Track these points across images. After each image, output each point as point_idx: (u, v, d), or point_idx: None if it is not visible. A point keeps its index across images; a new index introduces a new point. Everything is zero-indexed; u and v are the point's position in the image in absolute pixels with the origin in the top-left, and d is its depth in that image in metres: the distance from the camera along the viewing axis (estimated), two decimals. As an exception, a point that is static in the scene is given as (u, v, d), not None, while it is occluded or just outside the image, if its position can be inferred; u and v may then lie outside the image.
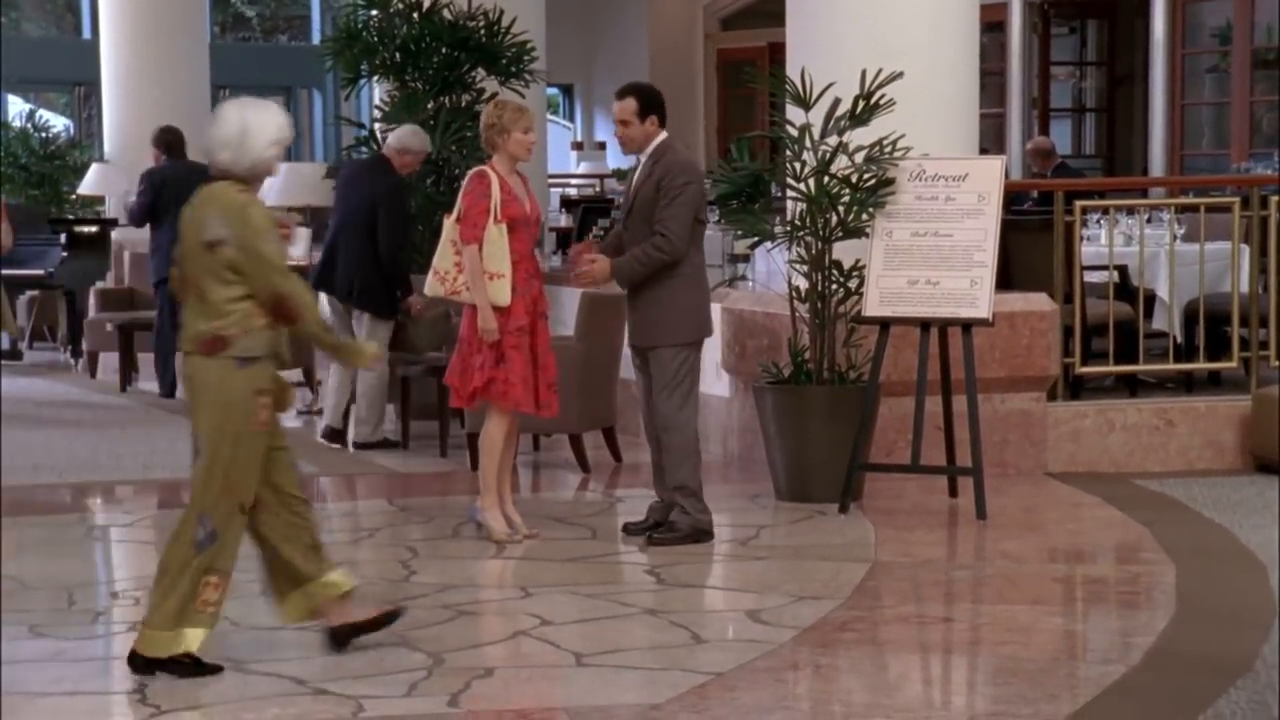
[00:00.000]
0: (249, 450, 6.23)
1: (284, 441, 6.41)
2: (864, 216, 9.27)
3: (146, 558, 8.42)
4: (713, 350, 9.87)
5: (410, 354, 11.20)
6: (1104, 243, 10.89)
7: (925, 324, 9.14)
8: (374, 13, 12.70)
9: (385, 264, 10.95)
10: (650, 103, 8.38)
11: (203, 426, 6.22)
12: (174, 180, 13.42)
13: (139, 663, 6.24)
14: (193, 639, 6.23)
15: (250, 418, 6.21)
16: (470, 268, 8.44)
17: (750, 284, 10.87)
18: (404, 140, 11.04)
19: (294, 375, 14.00)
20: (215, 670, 6.25)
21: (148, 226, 13.77)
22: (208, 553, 6.22)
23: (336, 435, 11.33)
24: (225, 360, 6.17)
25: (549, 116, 19.08)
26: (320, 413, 12.74)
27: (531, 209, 8.62)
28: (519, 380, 8.47)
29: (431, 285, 8.75)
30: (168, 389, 13.48)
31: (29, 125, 19.40)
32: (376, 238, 10.93)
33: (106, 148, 18.62)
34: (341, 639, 6.46)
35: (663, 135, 8.39)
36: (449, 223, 8.66)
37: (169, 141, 13.95)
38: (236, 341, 6.17)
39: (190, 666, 6.22)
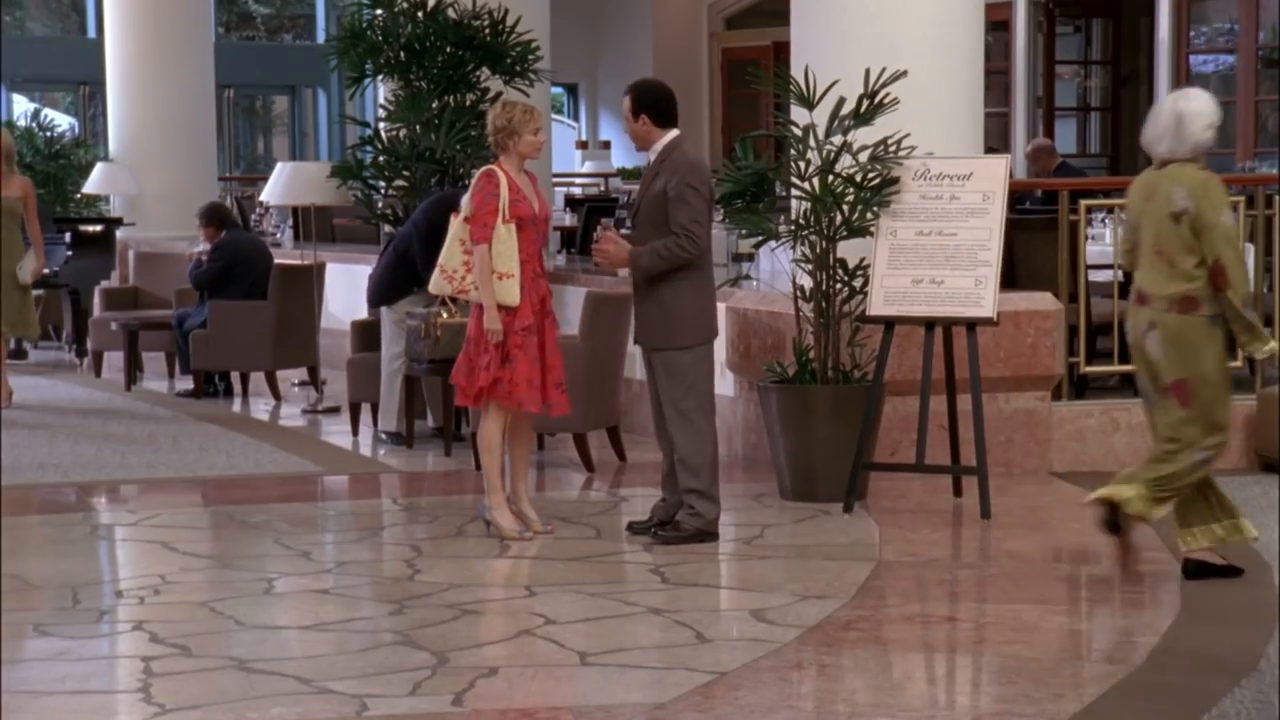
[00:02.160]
0: (1222, 389, 7.19)
1: None
2: (868, 216, 9.26)
3: (151, 556, 8.44)
4: (717, 349, 9.82)
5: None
6: (1109, 242, 10.88)
7: (930, 323, 9.14)
8: (378, 12, 12.69)
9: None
10: (642, 101, 8.33)
11: (1181, 374, 7.15)
12: (244, 255, 13.58)
13: (1191, 570, 7.35)
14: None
15: (1219, 364, 7.18)
16: (479, 268, 8.43)
17: (754, 283, 10.86)
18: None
19: (299, 374, 14.04)
20: (1238, 572, 7.35)
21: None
22: (1206, 465, 7.22)
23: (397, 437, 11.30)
24: (1198, 319, 7.14)
25: (553, 116, 19.07)
26: (325, 411, 12.78)
27: (540, 208, 8.60)
28: (523, 380, 8.45)
29: (437, 283, 8.74)
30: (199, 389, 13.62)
31: (34, 124, 19.41)
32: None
33: (111, 147, 18.63)
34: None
35: (670, 135, 8.34)
36: (457, 222, 8.64)
37: (220, 216, 13.99)
38: (1206, 302, 7.11)
39: (1215, 568, 7.32)
